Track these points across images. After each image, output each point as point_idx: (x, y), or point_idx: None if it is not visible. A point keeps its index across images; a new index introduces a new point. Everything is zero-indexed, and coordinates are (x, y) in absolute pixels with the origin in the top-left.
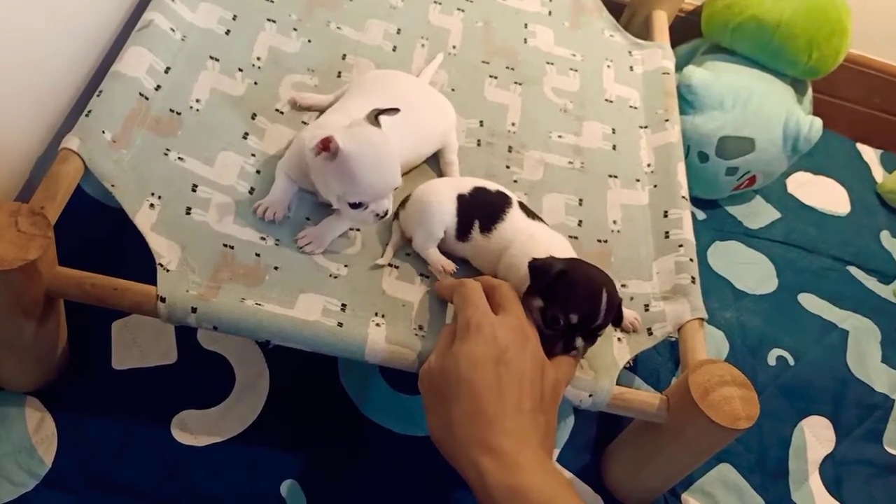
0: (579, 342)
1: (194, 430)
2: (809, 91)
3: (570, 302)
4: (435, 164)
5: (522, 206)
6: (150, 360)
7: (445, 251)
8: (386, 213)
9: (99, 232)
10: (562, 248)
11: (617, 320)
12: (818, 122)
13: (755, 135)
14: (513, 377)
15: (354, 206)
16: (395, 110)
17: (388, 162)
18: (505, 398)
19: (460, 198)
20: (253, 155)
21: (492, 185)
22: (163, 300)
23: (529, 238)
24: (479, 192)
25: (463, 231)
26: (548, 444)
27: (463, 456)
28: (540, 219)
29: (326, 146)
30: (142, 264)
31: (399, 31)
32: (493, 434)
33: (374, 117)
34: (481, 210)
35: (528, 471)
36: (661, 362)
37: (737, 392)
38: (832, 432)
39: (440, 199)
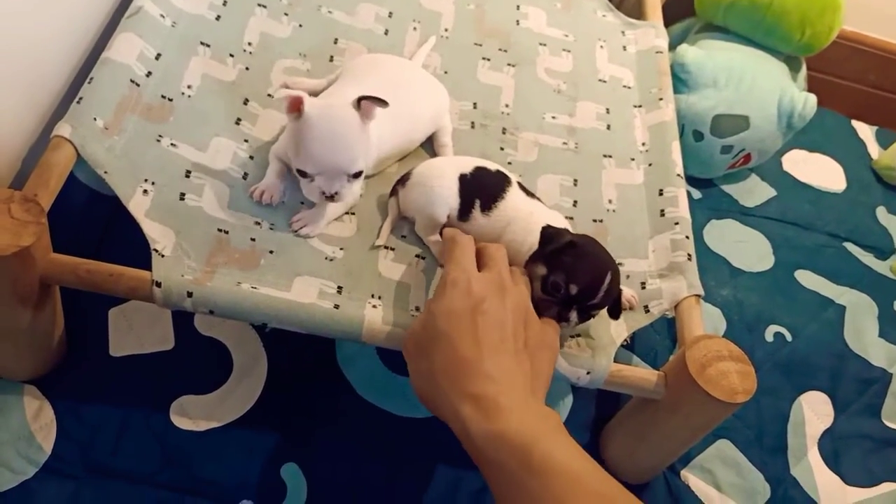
0: (573, 315)
1: (193, 415)
2: (804, 68)
3: (573, 272)
4: (429, 148)
5: (521, 185)
6: (147, 347)
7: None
8: (335, 196)
9: (93, 219)
10: (560, 223)
11: (614, 311)
12: (812, 99)
13: (750, 112)
14: (490, 323)
15: (301, 173)
16: (384, 103)
17: (344, 141)
18: (482, 343)
19: (462, 178)
20: (246, 140)
21: (492, 165)
22: (158, 285)
23: (530, 215)
24: (480, 171)
25: (464, 211)
26: (537, 387)
27: (446, 407)
28: (538, 199)
29: (295, 105)
30: (136, 251)
31: (391, 14)
32: (472, 379)
33: (357, 102)
34: (482, 190)
35: (509, 413)
36: (658, 340)
37: (734, 367)
38: (830, 407)
39: (443, 183)
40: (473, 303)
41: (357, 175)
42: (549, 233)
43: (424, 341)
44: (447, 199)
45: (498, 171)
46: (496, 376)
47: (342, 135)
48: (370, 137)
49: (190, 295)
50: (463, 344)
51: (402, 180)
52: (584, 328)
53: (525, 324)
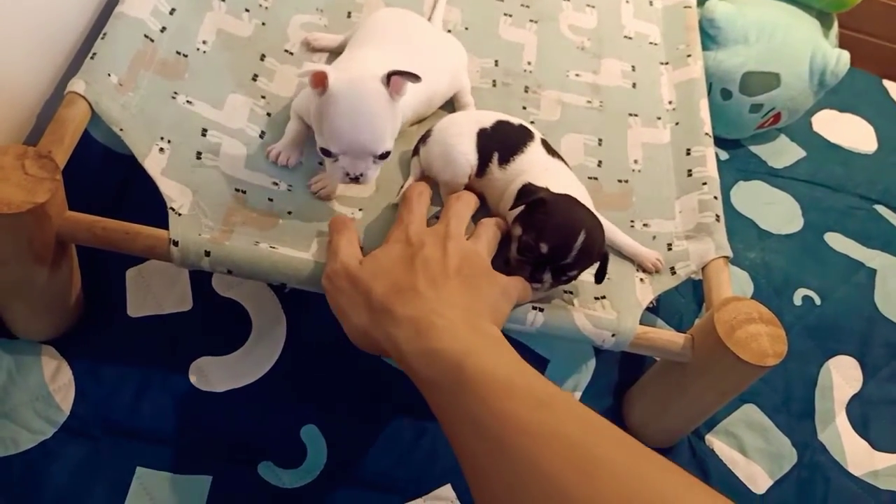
0: (547, 276)
1: (212, 376)
2: (835, 25)
3: (543, 231)
4: (450, 108)
5: (545, 143)
6: (165, 308)
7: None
8: (359, 178)
9: (108, 178)
10: (573, 189)
11: (599, 275)
12: (845, 55)
13: (781, 70)
14: (431, 262)
15: (324, 152)
16: (416, 77)
17: (370, 119)
18: (419, 274)
19: (481, 133)
20: (263, 97)
21: (515, 120)
22: (175, 244)
23: (543, 171)
24: (500, 125)
25: (482, 166)
26: (481, 309)
27: (380, 333)
28: (562, 160)
29: (319, 80)
30: (153, 210)
31: None
32: (408, 303)
33: (387, 77)
34: (501, 143)
35: (442, 331)
36: (683, 304)
37: (764, 329)
38: (859, 372)
39: (462, 141)
40: (413, 250)
41: (384, 156)
42: (524, 189)
43: (361, 278)
44: (467, 156)
45: (521, 126)
46: (432, 299)
47: (369, 112)
48: (399, 115)
49: (208, 254)
50: (402, 276)
51: (424, 138)
52: (609, 290)
53: (471, 266)
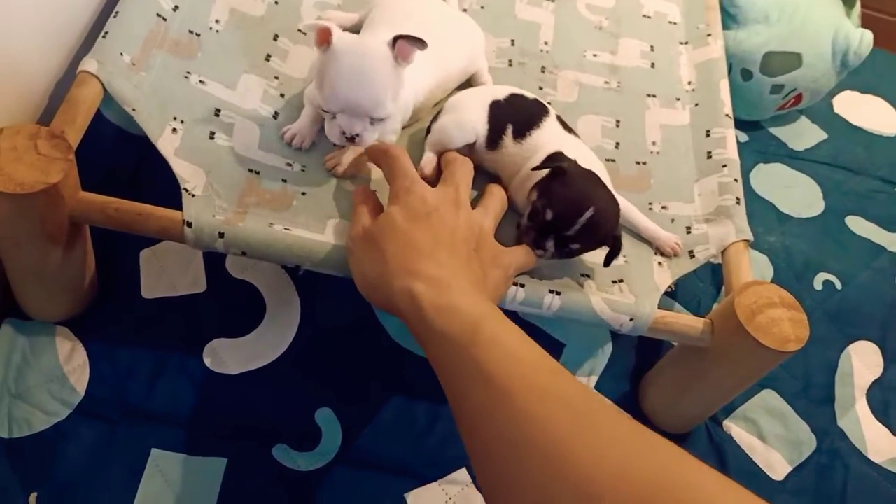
0: (550, 244)
1: (226, 358)
2: (858, 4)
3: (553, 197)
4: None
5: (561, 120)
6: (179, 290)
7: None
8: (355, 138)
9: (122, 159)
10: (593, 166)
11: (607, 258)
12: (868, 35)
13: (802, 49)
14: (446, 227)
15: (325, 111)
16: (423, 43)
17: (369, 79)
18: (436, 239)
19: (494, 105)
20: (276, 78)
21: (529, 94)
22: (189, 225)
23: (561, 146)
24: (514, 98)
25: (493, 139)
26: (483, 287)
27: (395, 288)
28: (577, 136)
29: (323, 37)
30: (166, 192)
31: None
32: (427, 263)
33: (393, 41)
34: (516, 115)
35: (460, 292)
36: (702, 288)
37: (786, 314)
38: (880, 357)
39: (471, 113)
40: (429, 209)
41: (382, 120)
42: (553, 156)
43: (378, 234)
44: (473, 126)
45: (535, 100)
46: (448, 265)
47: (369, 72)
48: (403, 83)
49: (221, 235)
50: (418, 236)
51: (436, 115)
52: (627, 274)
53: (477, 242)
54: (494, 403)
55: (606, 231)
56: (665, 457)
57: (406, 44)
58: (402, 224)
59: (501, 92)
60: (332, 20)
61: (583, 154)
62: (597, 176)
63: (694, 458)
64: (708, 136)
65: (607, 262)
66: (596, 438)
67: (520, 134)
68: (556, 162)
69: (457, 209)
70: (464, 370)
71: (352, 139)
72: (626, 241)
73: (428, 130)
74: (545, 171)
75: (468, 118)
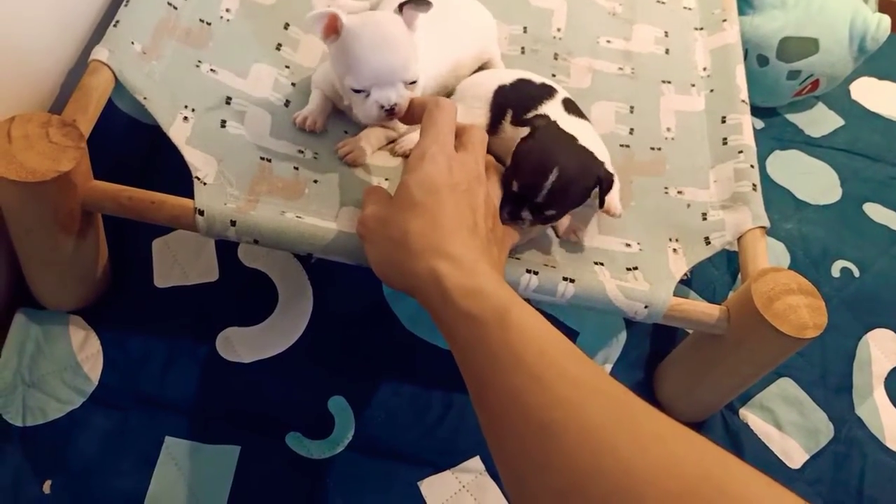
0: (526, 214)
1: (239, 347)
2: None
3: (518, 169)
4: None
5: (568, 102)
6: (191, 278)
7: None
8: (394, 108)
9: (133, 148)
10: (591, 143)
11: (602, 197)
12: (886, 20)
13: (819, 35)
14: (466, 205)
15: (357, 93)
16: (427, 4)
17: (394, 44)
18: (462, 218)
19: (499, 90)
20: (287, 66)
21: (538, 78)
22: (201, 213)
23: None
24: (521, 83)
25: (494, 123)
26: (499, 270)
27: (418, 268)
28: (586, 119)
29: (331, 25)
30: (178, 180)
31: None
32: (452, 243)
33: (399, 8)
34: (517, 100)
35: (486, 275)
36: (717, 276)
37: (803, 301)
38: None
39: (477, 100)
40: (453, 182)
41: (413, 83)
42: (529, 119)
43: (395, 212)
44: (475, 116)
45: (542, 84)
46: (471, 246)
47: (390, 37)
48: (418, 47)
49: (233, 224)
50: (440, 213)
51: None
52: (641, 261)
53: (494, 216)
54: (525, 387)
55: (580, 186)
56: (710, 457)
57: (410, 10)
58: (422, 199)
59: (509, 76)
60: (343, 8)
61: (582, 133)
62: (568, 135)
63: (737, 459)
64: (724, 122)
65: (601, 203)
66: (635, 431)
67: (517, 118)
68: (533, 124)
69: (478, 184)
70: (490, 353)
71: (391, 111)
72: (641, 229)
73: None
74: None
75: (470, 105)
